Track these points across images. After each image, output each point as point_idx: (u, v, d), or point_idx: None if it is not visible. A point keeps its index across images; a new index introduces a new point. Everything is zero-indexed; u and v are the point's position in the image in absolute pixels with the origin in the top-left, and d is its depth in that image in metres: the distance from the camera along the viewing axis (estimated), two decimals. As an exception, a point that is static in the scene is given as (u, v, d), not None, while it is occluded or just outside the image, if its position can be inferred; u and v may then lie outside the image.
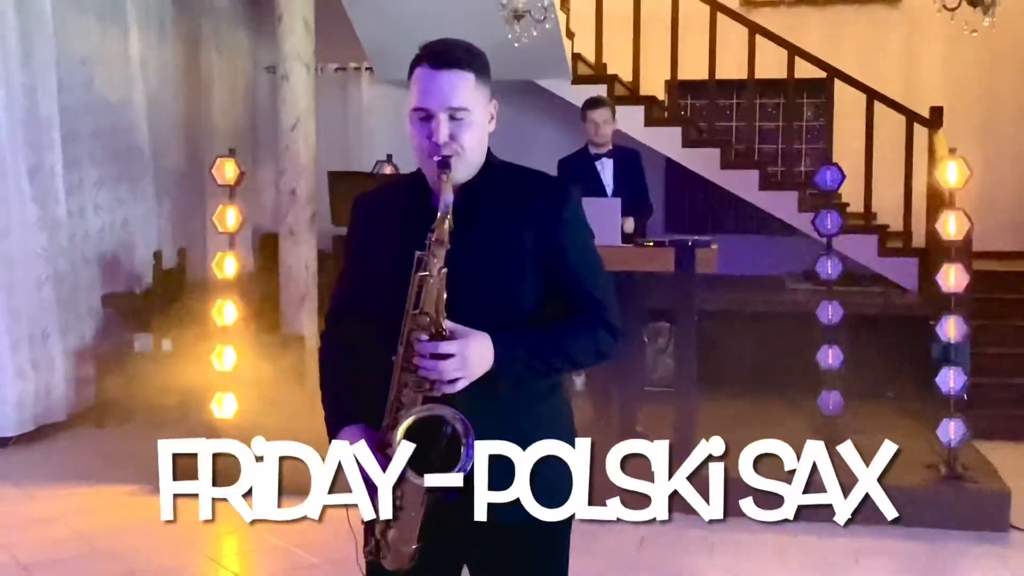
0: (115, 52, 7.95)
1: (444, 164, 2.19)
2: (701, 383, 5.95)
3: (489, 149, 2.35)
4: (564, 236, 2.29)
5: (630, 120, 8.25)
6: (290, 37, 7.23)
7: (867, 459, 5.69)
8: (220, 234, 6.02)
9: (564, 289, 2.31)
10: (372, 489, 2.25)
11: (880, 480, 5.46)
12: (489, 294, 2.25)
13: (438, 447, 2.14)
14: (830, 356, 6.09)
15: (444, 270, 2.12)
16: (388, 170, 8.05)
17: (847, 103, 8.50)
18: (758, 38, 8.38)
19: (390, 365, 2.20)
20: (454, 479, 2.11)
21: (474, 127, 2.25)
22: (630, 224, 6.00)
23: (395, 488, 2.20)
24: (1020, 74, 9.44)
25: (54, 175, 7.18)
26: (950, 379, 5.40)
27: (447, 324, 2.13)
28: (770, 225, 8.64)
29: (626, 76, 8.79)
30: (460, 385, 2.14)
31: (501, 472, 2.23)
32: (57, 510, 5.52)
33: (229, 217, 5.93)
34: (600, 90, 8.30)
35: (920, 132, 8.15)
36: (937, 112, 8.05)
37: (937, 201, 7.81)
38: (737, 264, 7.47)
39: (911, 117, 8.19)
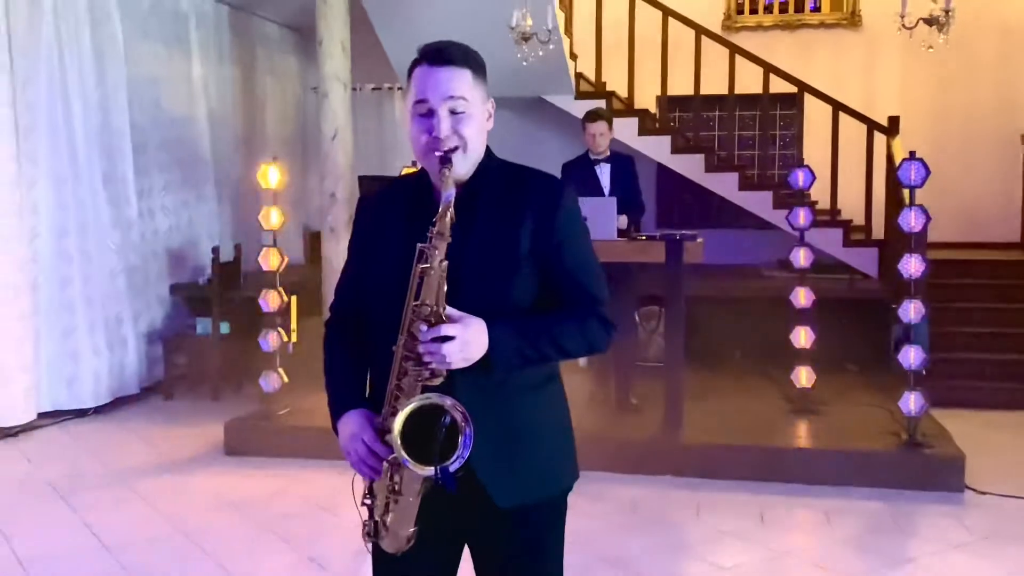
0: (180, 74, 7.71)
1: (446, 160, 1.91)
2: (688, 359, 5.68)
3: (488, 148, 2.06)
4: (559, 232, 1.99)
5: (626, 130, 8.06)
6: (329, 60, 6.96)
7: (836, 426, 5.38)
8: (265, 232, 5.74)
9: (559, 283, 2.01)
10: (372, 473, 1.99)
11: (846, 446, 5.13)
12: (486, 287, 1.95)
13: (436, 436, 1.85)
14: (802, 336, 5.79)
15: (445, 262, 1.85)
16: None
17: (815, 114, 8.21)
18: (737, 58, 8.11)
19: (391, 355, 1.91)
20: (452, 468, 1.85)
21: (474, 121, 1.96)
22: (624, 221, 5.80)
23: (393, 474, 1.94)
24: (966, 87, 9.13)
25: (126, 181, 6.96)
26: (910, 356, 5.08)
27: (448, 310, 1.85)
28: (748, 221, 8.37)
29: (622, 92, 8.53)
30: (460, 365, 1.85)
31: (499, 457, 1.97)
32: (124, 476, 5.26)
33: (272, 217, 5.66)
34: (599, 104, 8.08)
35: (879, 139, 7.90)
36: (894, 121, 7.82)
37: (895, 198, 7.55)
38: (719, 255, 7.24)
39: (871, 126, 7.93)
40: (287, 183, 7.11)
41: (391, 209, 2.09)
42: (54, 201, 6.41)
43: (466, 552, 2.10)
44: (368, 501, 2.02)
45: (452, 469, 1.85)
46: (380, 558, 2.05)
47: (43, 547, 4.21)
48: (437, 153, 1.92)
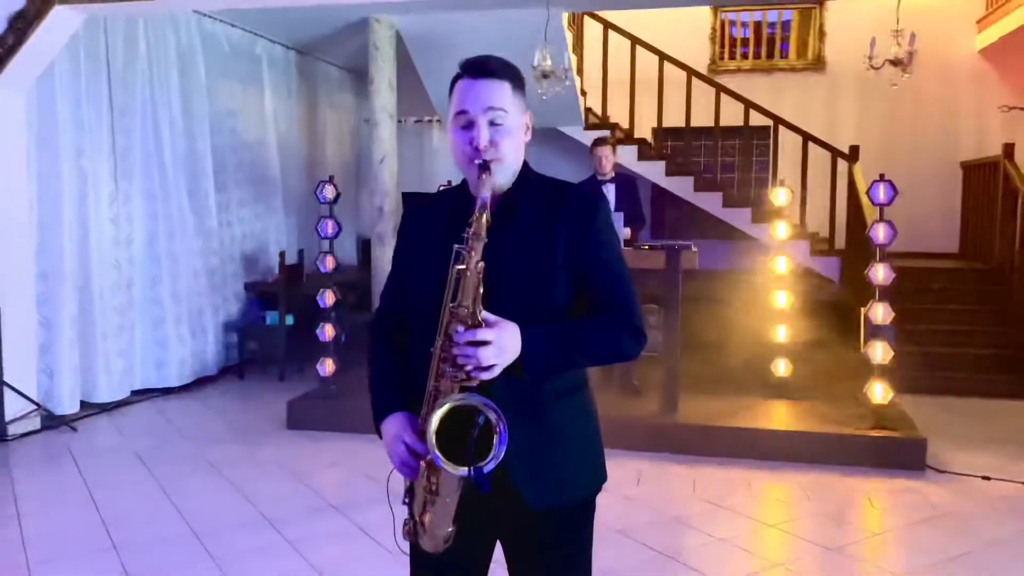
0: (254, 107, 7.40)
1: (485, 166, 1.58)
2: (680, 350, 5.30)
3: (526, 162, 1.72)
4: (594, 244, 1.66)
5: (627, 156, 7.76)
6: (378, 96, 6.67)
7: (811, 411, 4.97)
8: (322, 239, 5.42)
9: (592, 293, 1.67)
10: (413, 473, 1.66)
11: (821, 429, 4.70)
12: (522, 294, 1.62)
13: (470, 436, 1.53)
14: (782, 332, 5.43)
15: (481, 264, 1.52)
16: (450, 192, 7.48)
17: (787, 143, 7.81)
18: (722, 95, 7.75)
19: (431, 356, 1.58)
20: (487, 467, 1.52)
21: (512, 134, 1.63)
22: (628, 232, 5.46)
23: (430, 475, 1.61)
24: (913, 121, 8.73)
25: (207, 196, 6.66)
26: (877, 351, 4.72)
27: (483, 314, 1.52)
28: (728, 233, 8.00)
29: (624, 123, 8.16)
30: (495, 371, 1.52)
31: (532, 460, 1.64)
32: (198, 445, 4.96)
33: (328, 227, 5.34)
34: (604, 134, 7.78)
35: (841, 165, 7.56)
36: (855, 150, 7.51)
37: (855, 214, 7.18)
38: (705, 261, 6.86)
39: (835, 153, 7.58)
40: (344, 198, 6.83)
41: (433, 217, 1.75)
42: (146, 212, 6.13)
43: (497, 550, 1.77)
44: (407, 500, 1.70)
45: (487, 470, 1.52)
46: (417, 556, 1.72)
47: (126, 512, 3.90)
48: (477, 161, 1.60)
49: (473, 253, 1.52)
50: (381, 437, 1.73)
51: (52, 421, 5.24)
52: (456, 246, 1.54)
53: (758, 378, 5.84)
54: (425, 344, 1.61)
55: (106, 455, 4.77)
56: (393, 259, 1.87)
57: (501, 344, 1.52)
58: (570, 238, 1.65)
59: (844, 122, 8.76)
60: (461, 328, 1.51)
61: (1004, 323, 6.75)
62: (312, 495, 4.15)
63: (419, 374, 1.68)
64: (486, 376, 1.53)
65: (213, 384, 6.58)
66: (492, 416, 1.48)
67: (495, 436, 1.49)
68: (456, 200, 1.73)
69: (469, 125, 1.62)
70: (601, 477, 1.80)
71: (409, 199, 6.60)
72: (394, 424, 1.69)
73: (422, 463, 1.60)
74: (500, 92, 1.62)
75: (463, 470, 1.50)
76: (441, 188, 6.86)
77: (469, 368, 1.52)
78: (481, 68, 1.63)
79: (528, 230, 1.65)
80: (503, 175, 1.65)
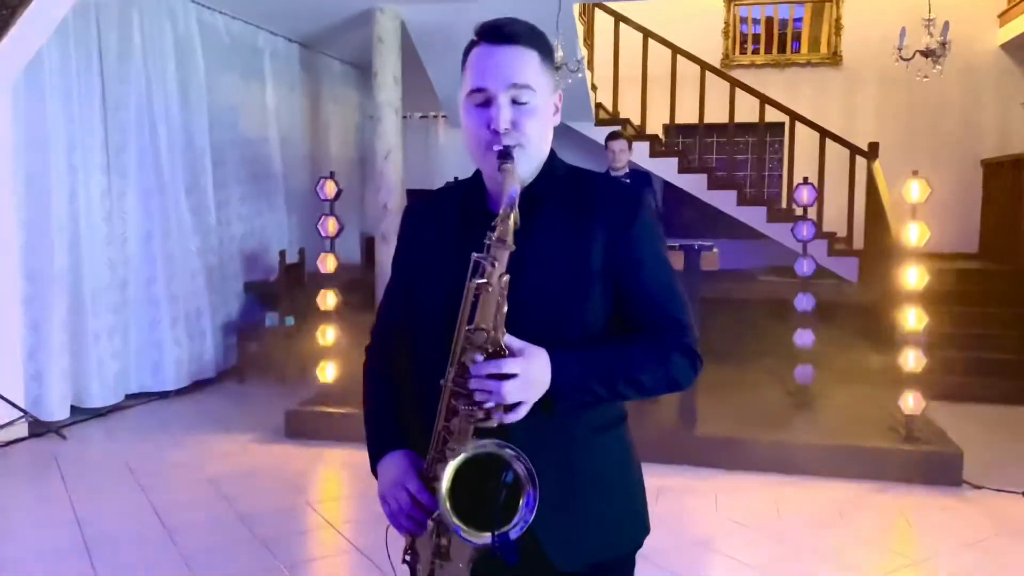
0: (255, 101, 7.07)
1: (506, 154, 1.23)
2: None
3: (553, 150, 1.37)
4: (637, 248, 1.32)
5: (638, 152, 7.34)
6: (383, 90, 6.34)
7: (837, 420, 4.61)
8: (323, 238, 5.10)
9: (636, 308, 1.33)
10: (415, 528, 1.33)
11: (849, 440, 4.32)
12: (551, 311, 1.28)
13: (495, 497, 1.20)
14: (804, 336, 5.09)
15: (506, 277, 1.18)
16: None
17: (803, 139, 7.46)
18: (736, 90, 7.40)
19: (438, 388, 1.24)
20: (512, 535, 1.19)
21: (539, 115, 1.28)
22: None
23: (440, 534, 1.28)
24: (933, 118, 8.36)
25: (206, 192, 6.32)
26: (910, 359, 4.38)
27: (507, 339, 1.18)
28: (741, 232, 7.66)
29: (636, 119, 7.84)
30: (523, 411, 1.19)
31: (561, 514, 1.32)
32: (193, 456, 4.64)
33: (329, 225, 5.01)
34: (617, 129, 7.45)
35: (860, 162, 7.21)
36: (874, 146, 7.15)
37: (874, 213, 6.85)
38: (721, 261, 6.54)
39: (854, 150, 7.23)
40: (347, 195, 6.52)
41: (440, 218, 1.41)
42: (141, 210, 5.79)
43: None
44: (409, 558, 1.37)
45: (513, 536, 1.20)
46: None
47: (110, 531, 3.58)
48: (496, 148, 1.25)
49: (497, 264, 1.19)
50: (377, 478, 1.41)
51: (40, 428, 4.93)
52: (475, 255, 1.21)
53: (779, 384, 5.52)
54: (432, 372, 1.29)
55: (95, 466, 4.45)
56: (392, 267, 1.54)
57: (529, 377, 1.19)
58: (608, 240, 1.31)
59: (861, 118, 8.40)
60: (480, 357, 1.18)
61: (1030, 326, 6.40)
62: (310, 513, 3.83)
63: (424, 407, 1.36)
64: (511, 418, 1.20)
65: (211, 388, 6.26)
66: (522, 472, 1.16)
67: (523, 494, 1.17)
68: (467, 196, 1.40)
69: (487, 103, 1.28)
70: (643, 529, 1.47)
71: (413, 197, 6.29)
72: (394, 466, 1.37)
73: (430, 520, 1.27)
74: (526, 63, 1.29)
75: (485, 537, 1.18)
76: (447, 183, 6.55)
77: (489, 406, 1.19)
78: (503, 33, 1.29)
79: (556, 232, 1.32)
80: (527, 165, 1.31)
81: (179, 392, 6.00)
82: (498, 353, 1.18)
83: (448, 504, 1.18)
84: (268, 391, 6.13)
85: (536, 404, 1.22)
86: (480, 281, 1.19)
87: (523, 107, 1.28)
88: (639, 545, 1.45)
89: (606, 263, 1.31)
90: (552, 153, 1.38)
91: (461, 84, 1.33)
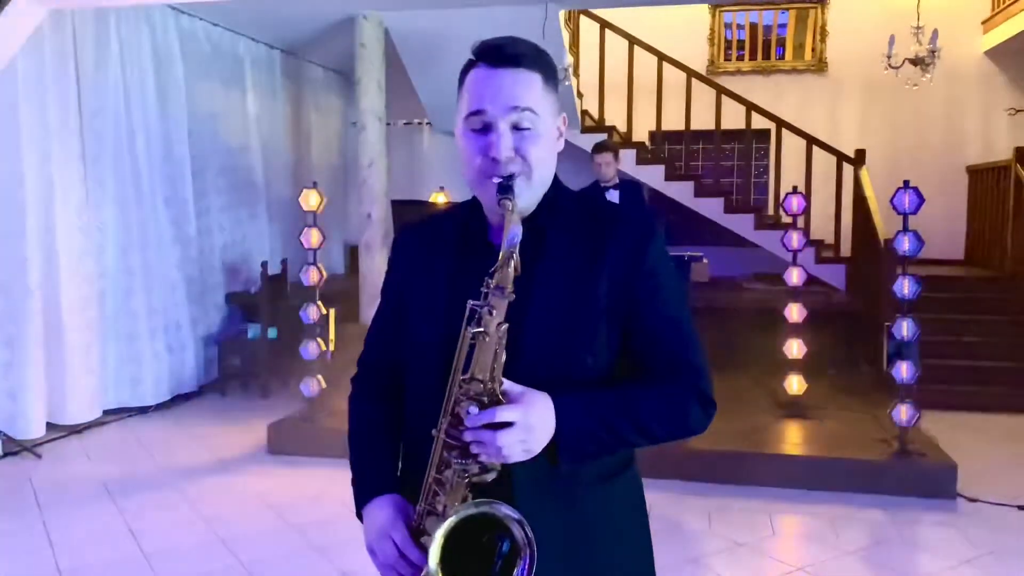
0: (236, 109, 6.94)
1: (506, 188, 1.13)
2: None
3: (556, 176, 1.26)
4: (648, 285, 1.22)
5: (624, 160, 7.21)
6: (366, 97, 6.23)
7: (829, 432, 4.54)
8: (306, 250, 4.98)
9: (646, 349, 1.23)
10: None
11: (842, 453, 4.24)
12: (554, 352, 1.18)
13: (489, 563, 1.10)
14: (795, 348, 5.02)
15: (505, 326, 1.08)
16: (441, 197, 7.07)
17: (789, 147, 7.42)
18: (722, 97, 7.34)
19: (430, 435, 1.14)
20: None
21: (542, 141, 1.18)
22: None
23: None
24: (918, 125, 8.33)
25: (186, 203, 6.19)
26: (903, 370, 4.32)
27: (505, 385, 1.09)
28: (727, 239, 7.60)
29: (622, 127, 7.75)
30: (520, 458, 1.09)
31: (565, 569, 1.19)
32: (173, 474, 4.50)
33: (312, 237, 4.90)
34: (602, 137, 7.37)
35: (847, 169, 7.19)
36: (861, 153, 7.14)
37: (862, 221, 6.82)
38: (708, 269, 6.50)
39: (841, 158, 7.20)
40: (331, 204, 6.41)
41: (435, 249, 1.30)
42: (119, 221, 5.65)
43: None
44: None
45: None
46: None
47: (84, 557, 3.45)
48: (496, 179, 1.15)
49: (495, 312, 1.09)
50: (362, 523, 1.31)
51: (14, 447, 4.77)
52: (471, 303, 1.11)
53: (770, 396, 5.45)
54: (422, 416, 1.19)
55: (70, 486, 4.31)
56: (383, 294, 1.43)
57: (528, 424, 1.09)
58: (616, 275, 1.21)
59: (846, 125, 8.37)
60: (474, 408, 1.08)
61: (1016, 333, 6.37)
62: (293, 535, 3.71)
63: (413, 451, 1.26)
64: (507, 460, 1.10)
65: (192, 402, 6.12)
66: (519, 536, 1.06)
67: (518, 562, 1.07)
68: (465, 226, 1.29)
69: (485, 129, 1.18)
70: None
71: (397, 208, 6.17)
72: (381, 513, 1.26)
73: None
74: (529, 87, 1.18)
75: None
76: (432, 195, 6.42)
77: (484, 458, 1.09)
78: (504, 54, 1.18)
79: (562, 265, 1.22)
80: (529, 195, 1.21)
81: (159, 407, 5.86)
82: (495, 401, 1.09)
83: (438, 568, 1.08)
84: (250, 405, 6.00)
85: (541, 452, 1.13)
86: (477, 330, 1.09)
87: (525, 133, 1.18)
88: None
89: (615, 300, 1.21)
90: (556, 180, 1.28)
91: (458, 106, 1.23)
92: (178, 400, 6.04)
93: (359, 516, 1.32)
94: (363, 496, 1.32)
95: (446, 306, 1.18)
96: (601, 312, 1.21)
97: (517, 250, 1.09)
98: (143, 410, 5.75)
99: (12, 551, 3.53)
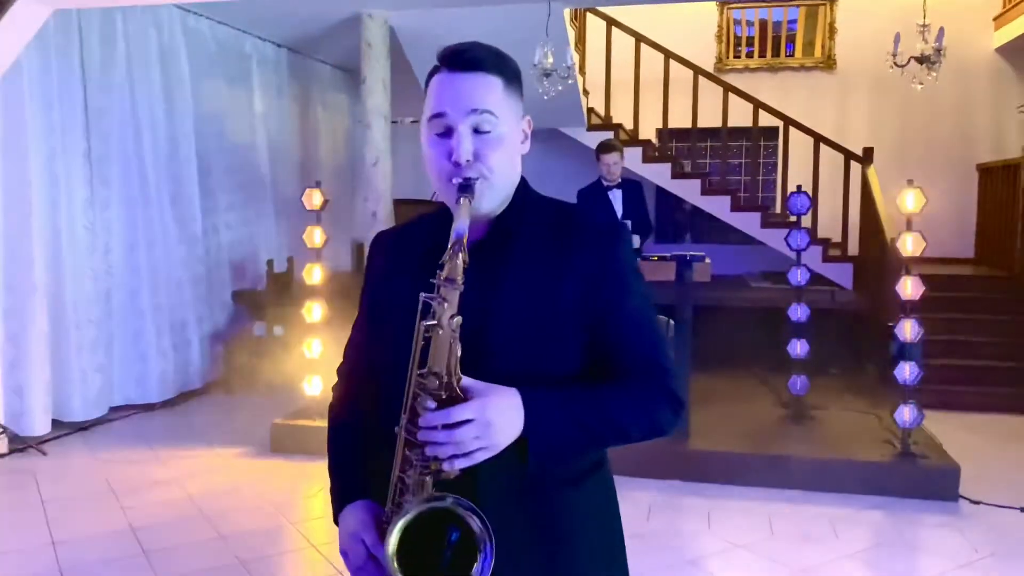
0: (242, 108, 6.96)
1: (466, 187, 1.15)
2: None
3: (524, 179, 1.28)
4: (615, 287, 1.22)
5: (631, 158, 7.25)
6: (371, 96, 6.25)
7: (832, 433, 4.53)
8: (309, 249, 5.00)
9: (613, 350, 1.23)
10: None
11: (844, 454, 4.23)
12: (522, 349, 1.19)
13: (441, 558, 1.10)
14: (798, 347, 5.00)
15: (458, 319, 1.08)
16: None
17: (797, 144, 7.39)
18: (729, 95, 7.32)
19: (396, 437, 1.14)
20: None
21: (504, 144, 1.19)
22: (636, 241, 5.01)
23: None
24: (927, 122, 8.28)
25: (192, 201, 6.22)
26: (906, 371, 4.30)
27: (464, 382, 1.09)
28: (734, 237, 7.61)
29: (628, 124, 7.74)
30: (479, 457, 1.08)
31: (535, 570, 1.20)
32: (176, 472, 4.54)
33: (315, 236, 4.92)
34: (608, 136, 7.37)
35: (854, 167, 7.14)
36: (868, 152, 7.10)
37: (869, 219, 6.78)
38: (714, 267, 6.47)
39: (848, 155, 7.15)
40: (338, 202, 6.41)
41: (406, 252, 1.32)
42: (125, 220, 5.69)
43: None
44: None
45: None
46: None
47: (86, 555, 3.48)
48: (456, 180, 1.17)
49: (446, 304, 1.10)
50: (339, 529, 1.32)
51: (20, 444, 4.82)
52: (423, 296, 1.12)
53: (773, 395, 5.44)
54: (391, 415, 1.19)
55: (74, 484, 4.35)
56: (360, 301, 1.45)
57: (486, 421, 1.08)
58: (583, 279, 1.22)
59: (855, 123, 8.33)
60: (432, 403, 1.08)
61: (1027, 333, 6.32)
62: (292, 533, 3.73)
63: (383, 447, 1.27)
64: (465, 463, 1.10)
65: (197, 399, 6.16)
66: (475, 526, 1.06)
67: (479, 553, 1.07)
68: (436, 230, 1.30)
69: (447, 132, 1.20)
70: None
71: (400, 207, 6.18)
72: (353, 519, 1.27)
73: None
74: (488, 90, 1.19)
75: None
76: (435, 192, 6.43)
77: (444, 457, 1.10)
78: (463, 59, 1.20)
79: (527, 269, 1.22)
80: (492, 198, 1.22)
81: (164, 404, 5.90)
82: (453, 398, 1.09)
83: (396, 564, 1.09)
84: (255, 402, 6.03)
85: (509, 449, 1.13)
86: (430, 323, 1.10)
87: (486, 136, 1.19)
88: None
89: (581, 302, 1.22)
90: (524, 183, 1.29)
91: (423, 111, 1.24)
92: (184, 397, 6.08)
93: (336, 522, 1.33)
94: (339, 502, 1.33)
95: (412, 304, 1.18)
96: (568, 312, 1.21)
97: (464, 243, 1.10)
98: (149, 407, 5.79)
99: (14, 548, 3.56)
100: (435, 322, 1.10)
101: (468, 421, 1.07)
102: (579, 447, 1.22)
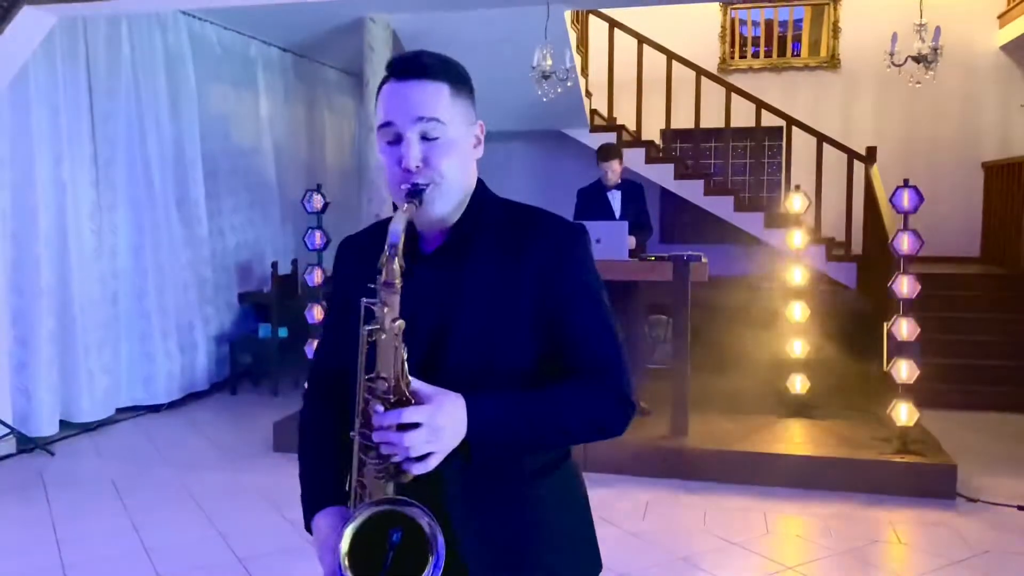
0: (248, 111, 7.05)
1: (413, 193, 1.18)
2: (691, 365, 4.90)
3: (482, 181, 1.31)
4: (569, 286, 1.25)
5: (633, 159, 7.31)
6: (375, 99, 6.30)
7: (831, 432, 4.56)
8: (311, 251, 5.06)
9: (568, 350, 1.25)
10: None
11: (842, 453, 4.26)
12: (480, 351, 1.22)
13: (385, 559, 1.13)
14: (797, 346, 5.02)
15: (399, 323, 1.11)
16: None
17: (800, 144, 7.38)
18: (732, 95, 7.33)
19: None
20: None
21: (453, 150, 1.23)
22: (634, 242, 5.04)
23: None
24: (933, 121, 8.27)
25: (197, 204, 6.30)
26: (902, 369, 4.31)
27: (414, 385, 1.12)
28: (738, 237, 7.60)
29: (631, 125, 7.76)
30: (433, 462, 1.11)
31: (502, 564, 1.22)
32: (180, 472, 4.60)
33: (315, 238, 4.98)
34: (611, 137, 7.42)
35: (858, 166, 7.12)
36: (872, 151, 7.07)
37: (872, 219, 6.77)
38: (717, 268, 6.46)
39: (851, 155, 7.15)
40: (343, 204, 6.48)
41: (370, 255, 1.33)
42: (131, 223, 5.78)
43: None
44: None
45: None
46: None
47: (89, 553, 3.55)
48: (404, 187, 1.20)
49: (387, 309, 1.13)
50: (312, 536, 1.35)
51: (28, 444, 4.91)
52: (364, 301, 1.15)
53: (773, 395, 5.45)
54: (352, 419, 1.23)
55: (80, 483, 4.42)
56: (327, 308, 1.49)
57: (435, 425, 1.11)
58: (539, 280, 1.24)
59: (860, 122, 8.33)
60: (380, 407, 1.12)
61: (1031, 332, 6.31)
62: (291, 532, 3.78)
63: (349, 451, 1.30)
64: (419, 469, 1.13)
65: (203, 400, 6.23)
66: (426, 527, 1.10)
67: (430, 555, 1.10)
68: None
69: (396, 140, 1.23)
70: (593, 569, 1.41)
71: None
72: (324, 525, 1.30)
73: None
74: (434, 97, 1.22)
75: None
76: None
77: (396, 459, 1.13)
78: (408, 67, 1.23)
79: (485, 272, 1.25)
80: (444, 203, 1.25)
81: (171, 405, 5.98)
82: (401, 402, 1.13)
83: (347, 564, 1.12)
84: (261, 402, 6.11)
85: (454, 453, 1.16)
86: (372, 327, 1.13)
87: (434, 143, 1.22)
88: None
89: (538, 303, 1.25)
90: (481, 186, 1.32)
91: (375, 120, 1.28)
92: (190, 398, 6.16)
93: (308, 529, 1.36)
94: (309, 509, 1.36)
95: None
96: (525, 315, 1.24)
97: (398, 248, 1.13)
98: (155, 408, 5.87)
99: (19, 546, 3.63)
100: (377, 326, 1.13)
101: (418, 425, 1.10)
102: (523, 448, 1.24)
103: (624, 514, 3.92)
